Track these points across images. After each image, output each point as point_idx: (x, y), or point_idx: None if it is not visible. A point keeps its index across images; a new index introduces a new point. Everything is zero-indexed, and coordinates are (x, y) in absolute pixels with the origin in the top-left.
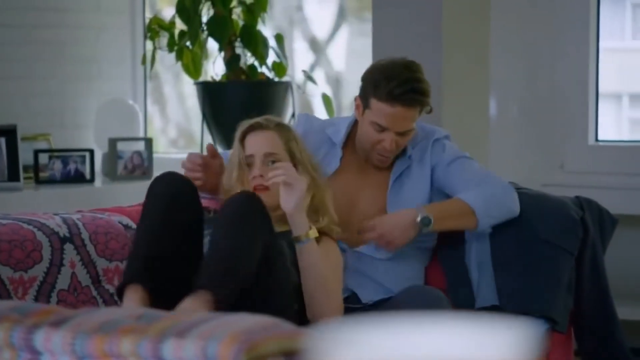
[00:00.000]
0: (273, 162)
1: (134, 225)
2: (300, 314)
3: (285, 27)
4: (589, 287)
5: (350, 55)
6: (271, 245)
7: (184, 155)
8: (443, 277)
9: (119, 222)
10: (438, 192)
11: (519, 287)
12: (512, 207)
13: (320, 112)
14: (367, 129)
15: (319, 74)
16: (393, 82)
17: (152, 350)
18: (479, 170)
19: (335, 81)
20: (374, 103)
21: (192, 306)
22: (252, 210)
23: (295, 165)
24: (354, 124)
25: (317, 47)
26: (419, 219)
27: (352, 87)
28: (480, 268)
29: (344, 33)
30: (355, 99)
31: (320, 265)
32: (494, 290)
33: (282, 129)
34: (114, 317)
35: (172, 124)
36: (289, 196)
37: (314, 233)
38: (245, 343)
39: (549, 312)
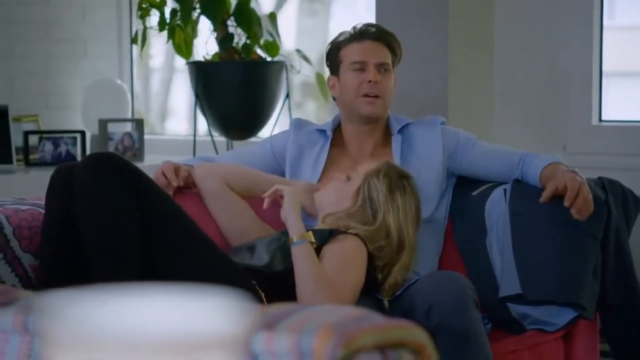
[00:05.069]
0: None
1: None
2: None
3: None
4: (614, 270)
5: (300, 35)
6: (156, 207)
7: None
8: (463, 266)
9: None
10: (450, 170)
11: (543, 274)
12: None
13: (314, 93)
14: (348, 79)
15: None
16: (357, 28)
17: (242, 343)
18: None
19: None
20: (345, 51)
21: None
22: (104, 175)
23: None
24: (339, 122)
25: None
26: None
27: (304, 66)
28: (503, 256)
29: (292, 11)
30: (329, 80)
31: (310, 273)
32: (517, 279)
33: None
34: None
35: None
36: (284, 205)
37: (308, 237)
38: (342, 337)
39: (578, 300)
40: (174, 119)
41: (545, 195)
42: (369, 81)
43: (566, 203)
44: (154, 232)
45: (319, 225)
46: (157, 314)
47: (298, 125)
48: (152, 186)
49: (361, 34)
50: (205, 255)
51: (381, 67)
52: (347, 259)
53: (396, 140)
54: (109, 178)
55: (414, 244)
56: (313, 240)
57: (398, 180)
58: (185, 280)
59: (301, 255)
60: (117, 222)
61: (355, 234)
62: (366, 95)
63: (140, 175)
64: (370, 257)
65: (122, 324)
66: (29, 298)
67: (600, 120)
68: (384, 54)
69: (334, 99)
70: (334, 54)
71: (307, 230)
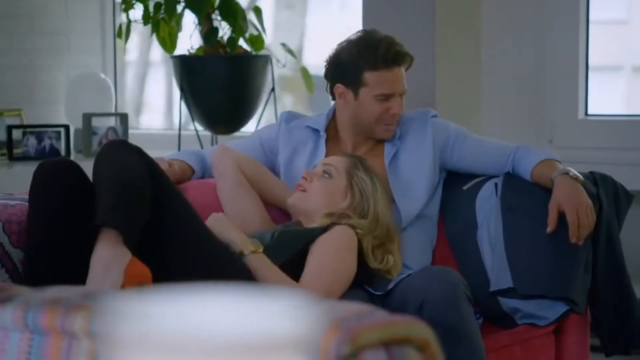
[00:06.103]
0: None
1: None
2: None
3: None
4: (605, 264)
5: (277, 28)
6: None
7: None
8: (454, 261)
9: None
10: (441, 165)
11: (535, 269)
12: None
13: (299, 86)
14: (370, 105)
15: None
16: (380, 48)
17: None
18: (494, 140)
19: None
20: (371, 76)
21: (109, 253)
22: (129, 153)
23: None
24: (334, 115)
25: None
26: (571, 173)
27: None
28: (494, 250)
29: (268, 4)
30: (337, 88)
31: (265, 279)
32: (508, 273)
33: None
34: None
35: None
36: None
37: (251, 247)
38: (348, 333)
39: (569, 294)
40: (149, 113)
41: (551, 225)
42: (393, 113)
43: (572, 239)
44: (163, 221)
45: (319, 222)
46: (224, 315)
47: (288, 118)
48: (167, 180)
49: (391, 60)
50: (211, 249)
51: (403, 94)
52: (336, 247)
53: (393, 145)
54: (132, 156)
55: (394, 227)
56: (254, 248)
57: (369, 166)
58: (190, 269)
59: (254, 265)
60: (130, 195)
61: (347, 224)
62: (388, 124)
63: (158, 167)
64: (364, 250)
65: (188, 325)
66: (28, 294)
67: (586, 114)
68: (404, 78)
69: (333, 96)
70: (354, 68)
71: (262, 237)
